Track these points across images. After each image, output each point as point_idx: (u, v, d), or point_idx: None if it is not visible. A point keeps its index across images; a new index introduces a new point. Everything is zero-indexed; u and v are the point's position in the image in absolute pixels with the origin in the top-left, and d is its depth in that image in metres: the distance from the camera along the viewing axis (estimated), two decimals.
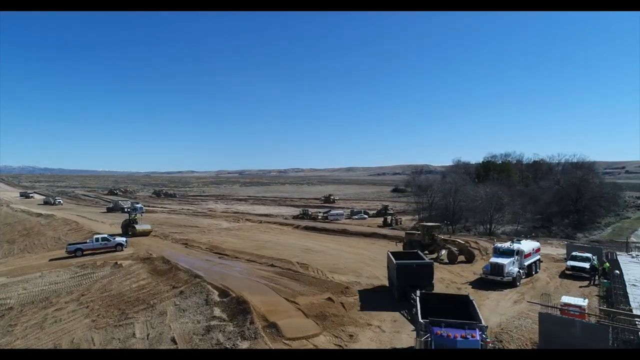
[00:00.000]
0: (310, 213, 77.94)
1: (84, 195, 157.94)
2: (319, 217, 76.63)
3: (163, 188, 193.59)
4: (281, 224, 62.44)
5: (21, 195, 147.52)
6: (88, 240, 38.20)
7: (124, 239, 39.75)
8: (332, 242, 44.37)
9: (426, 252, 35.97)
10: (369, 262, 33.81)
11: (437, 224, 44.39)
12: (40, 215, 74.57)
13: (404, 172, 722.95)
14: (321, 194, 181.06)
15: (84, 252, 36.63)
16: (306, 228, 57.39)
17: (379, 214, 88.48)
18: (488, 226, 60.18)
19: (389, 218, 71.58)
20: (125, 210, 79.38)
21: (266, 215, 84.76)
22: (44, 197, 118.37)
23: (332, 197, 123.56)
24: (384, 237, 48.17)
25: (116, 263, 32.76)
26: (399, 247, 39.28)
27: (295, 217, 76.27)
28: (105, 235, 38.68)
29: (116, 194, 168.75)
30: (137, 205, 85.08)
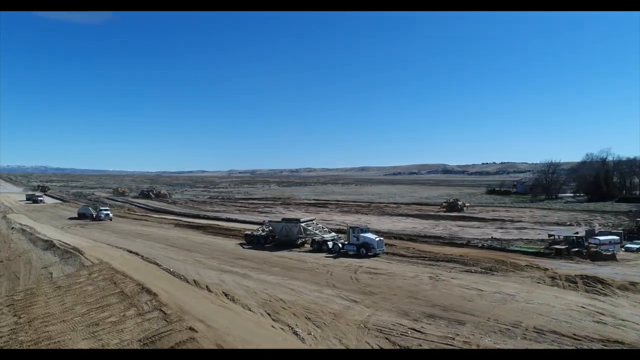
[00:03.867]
0: (578, 240, 39.02)
1: (108, 198, 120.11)
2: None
3: (154, 187, 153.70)
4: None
5: (27, 199, 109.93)
6: None
7: None
8: None
9: None
10: None
11: None
12: (51, 246, 36.67)
13: (420, 171, 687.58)
14: (382, 194, 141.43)
15: None
16: None
17: (632, 235, 50.26)
18: None
19: None
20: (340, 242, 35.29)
21: (425, 238, 46.55)
22: (83, 207, 72.45)
23: (460, 202, 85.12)
24: None
25: None
26: None
27: (552, 250, 37.66)
28: None
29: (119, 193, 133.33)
30: (371, 235, 36.28)
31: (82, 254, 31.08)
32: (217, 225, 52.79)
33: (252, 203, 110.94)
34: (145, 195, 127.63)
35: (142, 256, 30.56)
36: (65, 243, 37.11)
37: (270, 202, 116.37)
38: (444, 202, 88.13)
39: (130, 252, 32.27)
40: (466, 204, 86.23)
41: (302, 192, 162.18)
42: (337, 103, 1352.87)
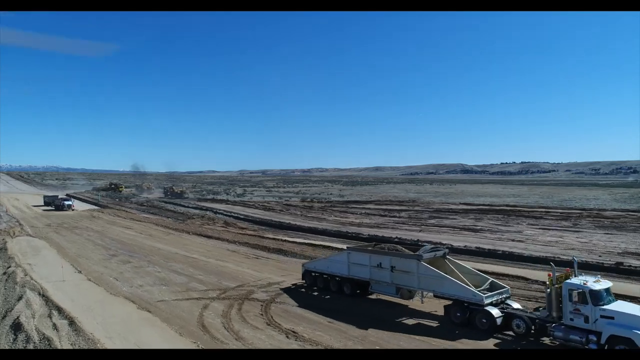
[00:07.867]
0: None
1: (170, 202, 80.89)
2: None
3: (172, 186, 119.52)
4: None
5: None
6: None
7: None
8: None
9: None
10: None
11: None
12: None
13: (438, 171, 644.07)
14: (500, 195, 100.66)
15: None
16: None
17: None
18: None
19: None
20: None
21: None
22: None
23: None
24: None
25: None
26: None
27: None
28: None
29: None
30: None
31: None
32: None
33: (383, 209, 71.66)
34: (166, 192, 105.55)
35: None
36: None
37: (395, 206, 77.29)
38: None
39: None
40: None
41: (381, 193, 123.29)
42: (347, 104, 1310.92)
